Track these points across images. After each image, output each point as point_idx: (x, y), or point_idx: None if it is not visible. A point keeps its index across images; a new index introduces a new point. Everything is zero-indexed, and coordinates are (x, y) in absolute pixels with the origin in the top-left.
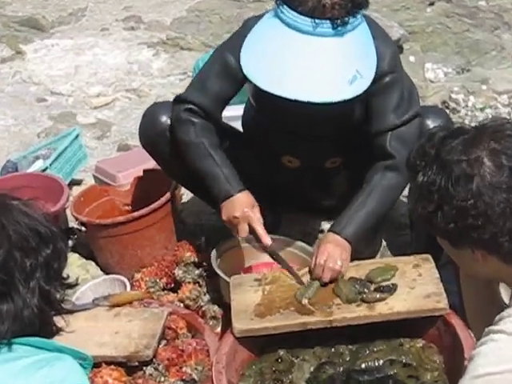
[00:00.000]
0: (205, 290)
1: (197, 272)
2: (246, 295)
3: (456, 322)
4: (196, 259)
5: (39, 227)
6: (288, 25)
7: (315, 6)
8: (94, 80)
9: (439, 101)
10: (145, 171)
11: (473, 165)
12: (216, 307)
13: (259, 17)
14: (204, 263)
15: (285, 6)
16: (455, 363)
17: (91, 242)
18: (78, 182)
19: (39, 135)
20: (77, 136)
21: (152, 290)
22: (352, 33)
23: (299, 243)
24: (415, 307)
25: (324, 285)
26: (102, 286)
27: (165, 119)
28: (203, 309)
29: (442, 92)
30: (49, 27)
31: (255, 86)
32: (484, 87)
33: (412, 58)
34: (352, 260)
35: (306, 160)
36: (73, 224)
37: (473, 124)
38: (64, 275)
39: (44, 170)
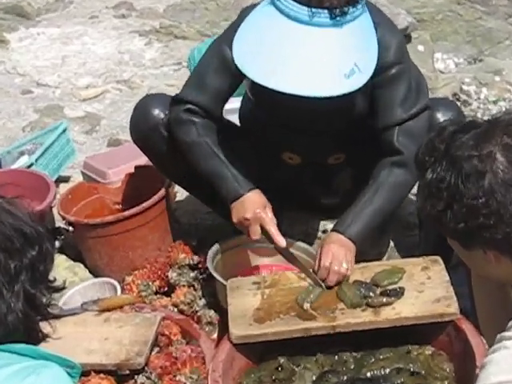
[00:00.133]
0: (200, 293)
1: (192, 275)
2: (244, 299)
3: (467, 327)
4: (191, 261)
5: (24, 227)
6: (283, 13)
7: None
8: (82, 71)
9: (450, 93)
10: (136, 168)
11: (485, 161)
12: (212, 312)
13: (256, 5)
14: (199, 265)
15: None
16: (466, 371)
17: (79, 242)
18: (65, 179)
19: (24, 129)
20: (64, 130)
21: (144, 293)
22: (352, 24)
23: (300, 244)
24: (424, 312)
25: (327, 288)
26: (91, 290)
27: (158, 112)
28: (198, 314)
29: (453, 83)
30: (34, 15)
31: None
32: (497, 78)
33: (421, 48)
34: (357, 262)
35: (308, 156)
36: (60, 224)
37: (485, 117)
38: (50, 278)
39: (29, 167)
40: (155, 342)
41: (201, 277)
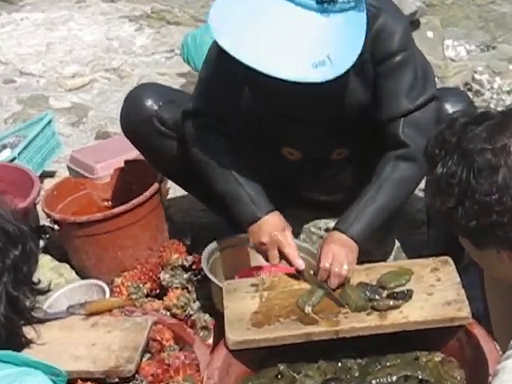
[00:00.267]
0: (194, 296)
1: (185, 276)
2: (241, 302)
3: (479, 332)
4: (184, 262)
5: (6, 225)
6: None
7: None
8: (68, 59)
9: (461, 82)
10: (126, 162)
11: (498, 154)
12: (207, 316)
13: None
14: (194, 266)
15: None
16: (478, 379)
17: (65, 242)
18: (50, 174)
19: (6, 121)
20: (49, 122)
21: (134, 296)
22: (340, 15)
23: (302, 244)
24: (433, 316)
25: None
26: (78, 292)
27: (151, 103)
28: (192, 318)
29: (464, 72)
30: None
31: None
32: (511, 67)
33: (430, 34)
34: (361, 262)
35: (308, 152)
36: (44, 222)
37: (499, 108)
38: (34, 280)
39: (12, 161)
40: (146, 347)
41: (195, 278)
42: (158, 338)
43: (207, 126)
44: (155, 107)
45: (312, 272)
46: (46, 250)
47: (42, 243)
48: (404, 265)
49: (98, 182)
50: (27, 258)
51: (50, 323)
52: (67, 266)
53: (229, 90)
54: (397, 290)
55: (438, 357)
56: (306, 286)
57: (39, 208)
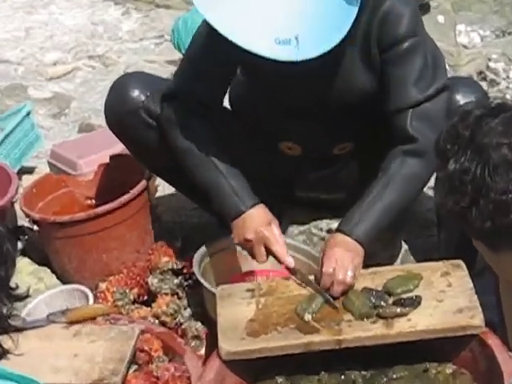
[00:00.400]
0: (185, 303)
1: (175, 281)
2: (235, 309)
3: (494, 342)
4: (174, 265)
5: None
6: None
7: None
8: (49, 45)
9: (474, 71)
10: (111, 157)
11: None
12: (199, 324)
13: None
14: (184, 270)
15: None
16: None
17: (46, 243)
18: (29, 171)
19: None
20: (28, 113)
21: (120, 303)
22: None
23: (302, 246)
24: (444, 324)
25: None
26: (59, 299)
27: (137, 94)
28: (183, 326)
29: (478, 60)
30: None
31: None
32: None
33: (441, 19)
34: (366, 266)
35: (309, 146)
36: (23, 222)
37: None
38: (12, 285)
39: None
40: (133, 359)
41: (186, 283)
42: (146, 348)
43: (189, 110)
44: (142, 98)
45: (313, 277)
46: (24, 253)
47: (20, 245)
48: (412, 269)
49: (80, 178)
50: (4, 261)
51: (28, 332)
52: (47, 269)
53: (217, 73)
54: (404, 296)
55: (449, 369)
56: (306, 291)
57: (17, 207)
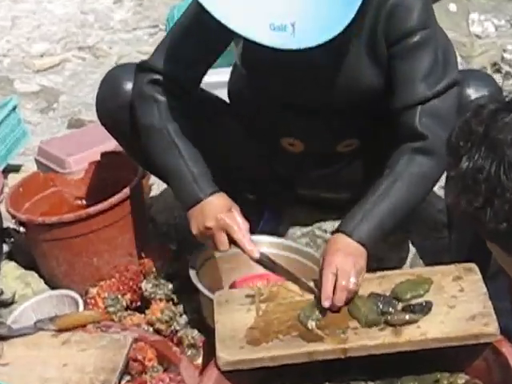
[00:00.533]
0: (181, 309)
1: (170, 286)
2: (234, 316)
3: (508, 350)
4: (169, 269)
5: None
6: None
7: None
8: (36, 35)
9: (488, 62)
10: (103, 154)
11: None
12: (195, 332)
13: None
14: (180, 275)
15: None
16: None
17: (33, 246)
18: (15, 169)
19: None
20: (14, 108)
21: (112, 309)
22: None
23: (305, 249)
24: (456, 332)
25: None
26: (47, 305)
27: (130, 87)
28: (179, 334)
29: (492, 51)
30: None
31: (240, 37)
32: None
33: (453, 7)
34: (373, 270)
35: (312, 143)
36: (9, 223)
37: None
38: None
39: None
40: (125, 368)
41: (182, 289)
42: (139, 357)
43: (159, 83)
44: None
45: (313, 284)
46: (10, 256)
47: (5, 248)
48: (422, 273)
49: (70, 177)
50: None
51: (14, 340)
52: (35, 274)
53: (200, 57)
54: (414, 301)
55: (461, 379)
56: (309, 296)
57: (2, 208)
